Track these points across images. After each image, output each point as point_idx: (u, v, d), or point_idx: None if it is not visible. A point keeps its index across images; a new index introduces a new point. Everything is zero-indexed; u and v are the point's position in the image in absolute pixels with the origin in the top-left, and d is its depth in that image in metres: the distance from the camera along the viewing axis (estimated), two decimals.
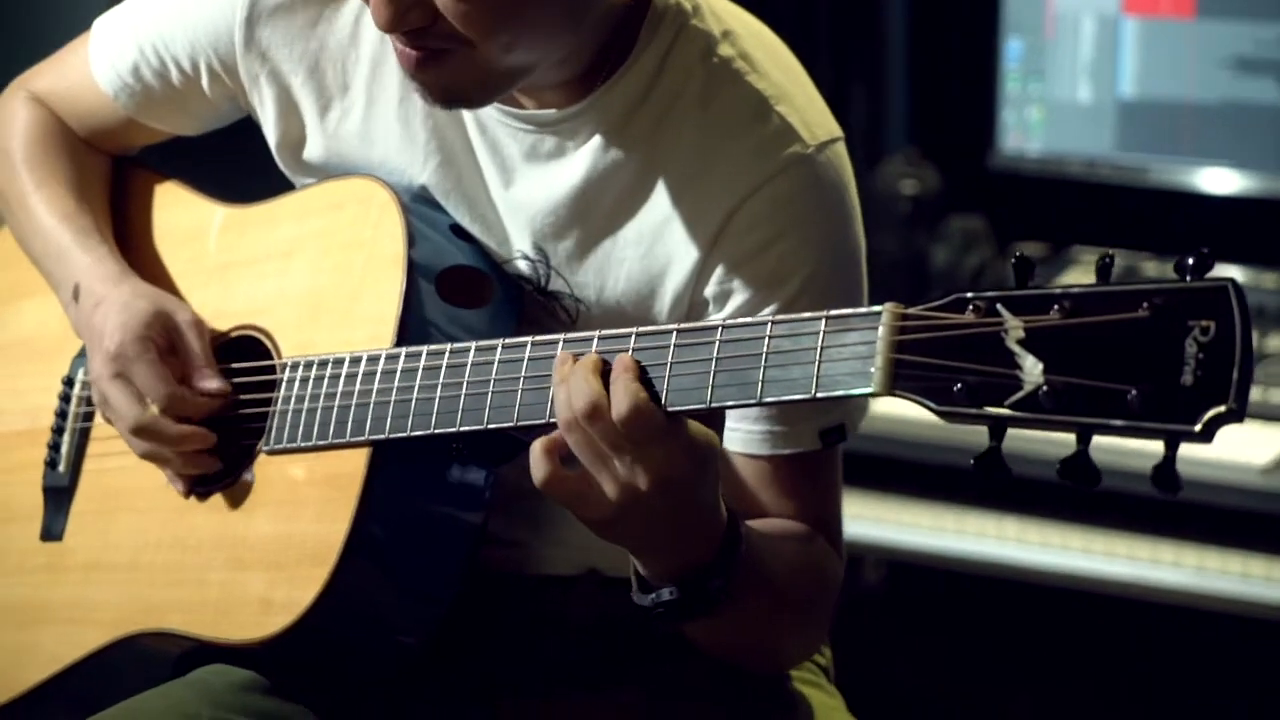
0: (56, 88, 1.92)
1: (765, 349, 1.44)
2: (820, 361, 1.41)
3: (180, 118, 1.88)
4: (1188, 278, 1.32)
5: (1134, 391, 1.29)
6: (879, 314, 1.39)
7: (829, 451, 1.72)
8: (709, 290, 1.68)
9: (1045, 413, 1.33)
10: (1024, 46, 3.23)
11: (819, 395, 1.41)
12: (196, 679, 1.72)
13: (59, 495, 1.86)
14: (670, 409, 1.47)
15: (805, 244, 1.67)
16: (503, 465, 1.68)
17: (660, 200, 1.68)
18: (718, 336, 1.46)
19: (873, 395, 1.39)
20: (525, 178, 1.71)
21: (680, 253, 1.68)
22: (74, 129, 1.93)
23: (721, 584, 1.55)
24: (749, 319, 1.47)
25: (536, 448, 1.50)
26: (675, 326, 1.49)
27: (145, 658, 1.76)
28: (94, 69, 1.87)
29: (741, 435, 1.71)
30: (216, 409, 1.75)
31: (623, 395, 1.45)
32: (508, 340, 1.57)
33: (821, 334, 1.42)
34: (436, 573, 1.67)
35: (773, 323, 1.45)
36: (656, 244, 1.69)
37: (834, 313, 1.42)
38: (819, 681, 1.89)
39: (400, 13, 1.54)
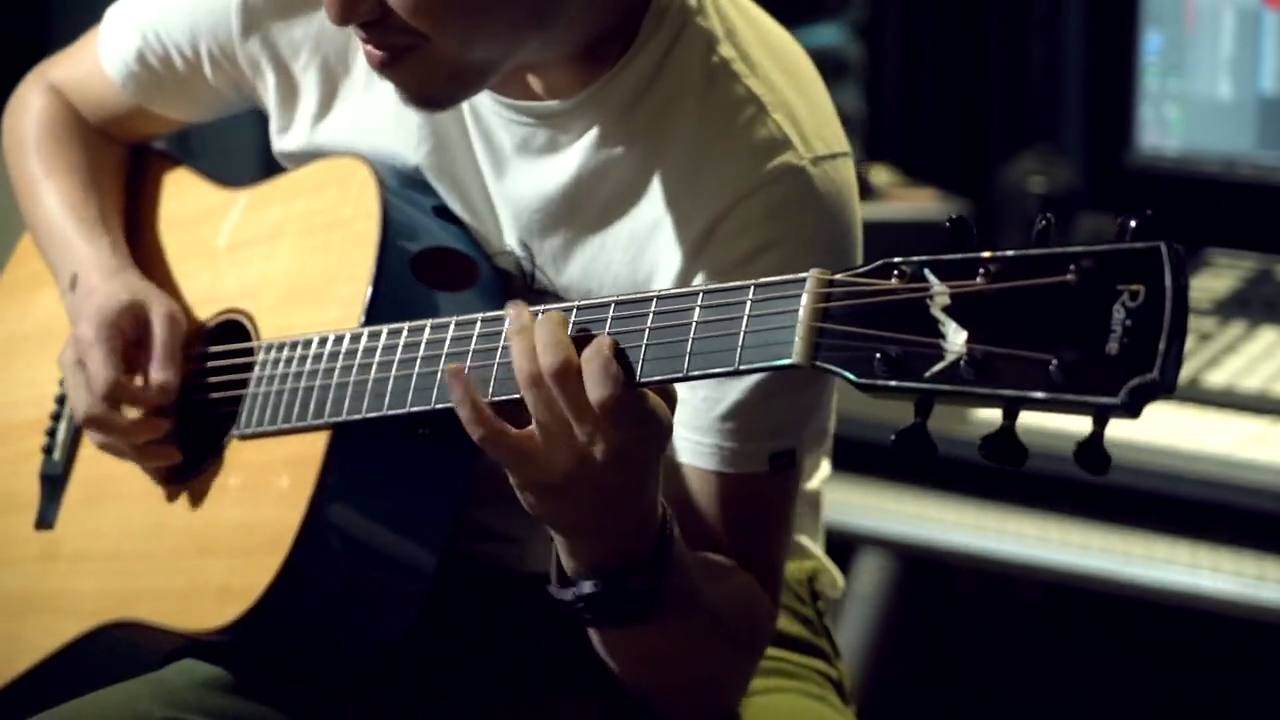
0: (71, 77, 1.93)
1: (694, 319, 1.36)
2: (745, 332, 1.33)
3: (187, 105, 1.86)
4: (1126, 240, 1.22)
5: (1055, 361, 1.20)
6: (804, 281, 1.31)
7: (777, 482, 1.63)
8: None
9: (965, 384, 1.24)
10: (1163, 41, 3.09)
11: (741, 368, 1.34)
12: (157, 676, 1.67)
13: (54, 483, 1.85)
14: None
15: (795, 257, 1.56)
16: (478, 452, 1.62)
17: (652, 203, 1.62)
18: (651, 308, 1.39)
19: (793, 367, 1.31)
20: (516, 171, 1.66)
21: (667, 257, 1.62)
22: (88, 118, 1.92)
23: (646, 586, 1.47)
24: (681, 289, 1.39)
25: (462, 398, 1.43)
26: (614, 298, 1.42)
27: (124, 650, 1.73)
28: (102, 57, 1.87)
29: (691, 445, 1.63)
30: (161, 402, 1.72)
31: (601, 375, 1.38)
32: (461, 318, 1.51)
33: (749, 304, 1.34)
34: (406, 565, 1.62)
35: (704, 292, 1.37)
36: (647, 247, 1.62)
37: (762, 281, 1.34)
38: (828, 697, 1.80)
39: (350, 4, 1.50)
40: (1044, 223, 1.27)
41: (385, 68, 1.54)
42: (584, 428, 1.40)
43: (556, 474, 1.42)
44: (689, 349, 1.36)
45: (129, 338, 1.73)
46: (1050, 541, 2.65)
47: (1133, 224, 1.23)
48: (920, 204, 3.16)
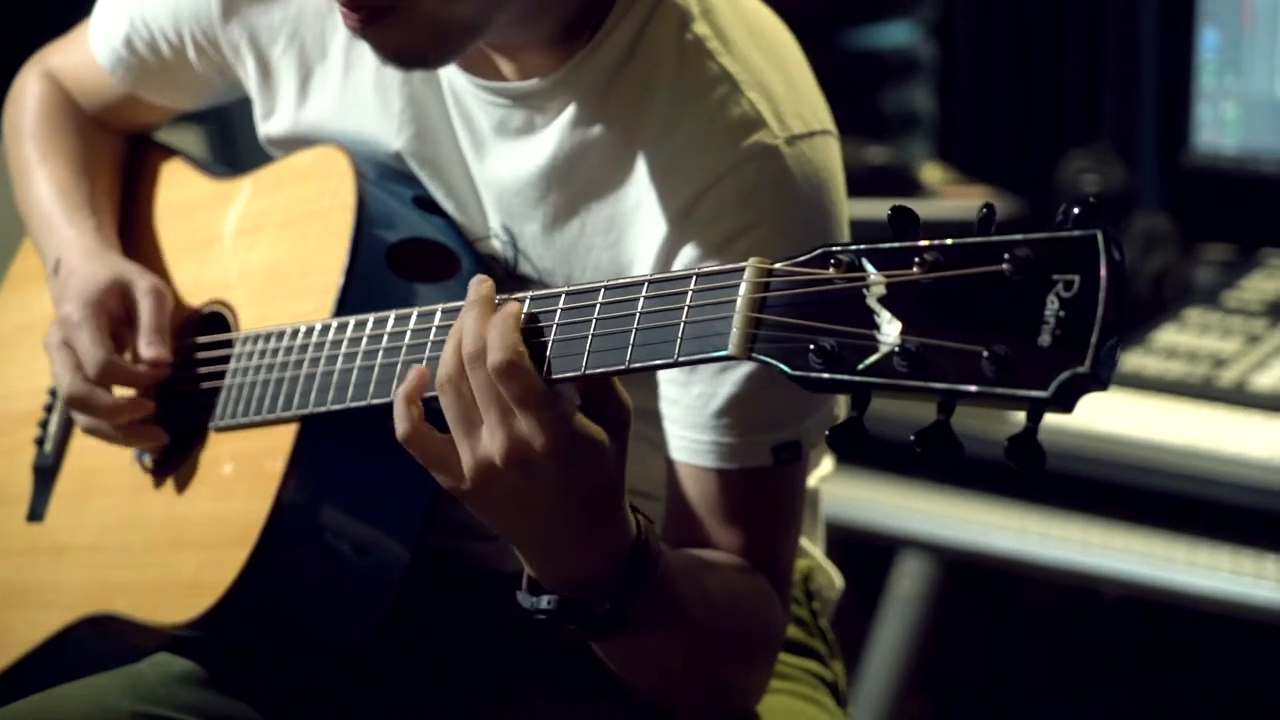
0: (66, 64, 1.93)
1: (639, 309, 1.34)
2: (684, 323, 1.31)
3: (176, 92, 1.86)
4: (1067, 228, 1.19)
5: (986, 354, 1.16)
6: (743, 271, 1.28)
7: (783, 474, 1.58)
8: None
9: (897, 377, 1.20)
10: (1220, 38, 3.03)
11: (680, 359, 1.31)
12: (130, 670, 1.66)
13: (45, 475, 1.85)
14: (549, 377, 1.37)
15: (773, 238, 1.53)
16: None
17: (631, 185, 1.59)
18: (598, 299, 1.37)
19: (730, 359, 1.28)
20: (495, 153, 1.64)
21: (646, 242, 1.59)
22: (84, 107, 1.92)
23: (610, 610, 1.42)
24: (627, 279, 1.36)
25: (399, 395, 1.40)
26: (564, 290, 1.39)
27: (108, 644, 1.72)
28: (92, 44, 1.87)
29: (689, 444, 1.59)
30: (154, 379, 1.70)
31: (498, 342, 1.33)
32: (423, 309, 1.50)
33: (689, 294, 1.31)
34: (377, 560, 1.60)
35: (649, 282, 1.35)
36: (627, 232, 1.60)
37: (703, 270, 1.32)
38: (820, 699, 1.76)
39: None
40: (985, 211, 1.23)
41: (365, 27, 1.50)
42: (488, 421, 1.35)
43: (463, 479, 1.38)
44: (632, 340, 1.33)
45: (115, 316, 1.72)
46: (1092, 546, 2.59)
47: (1075, 211, 1.19)
48: (969, 202, 3.11)
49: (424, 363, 1.46)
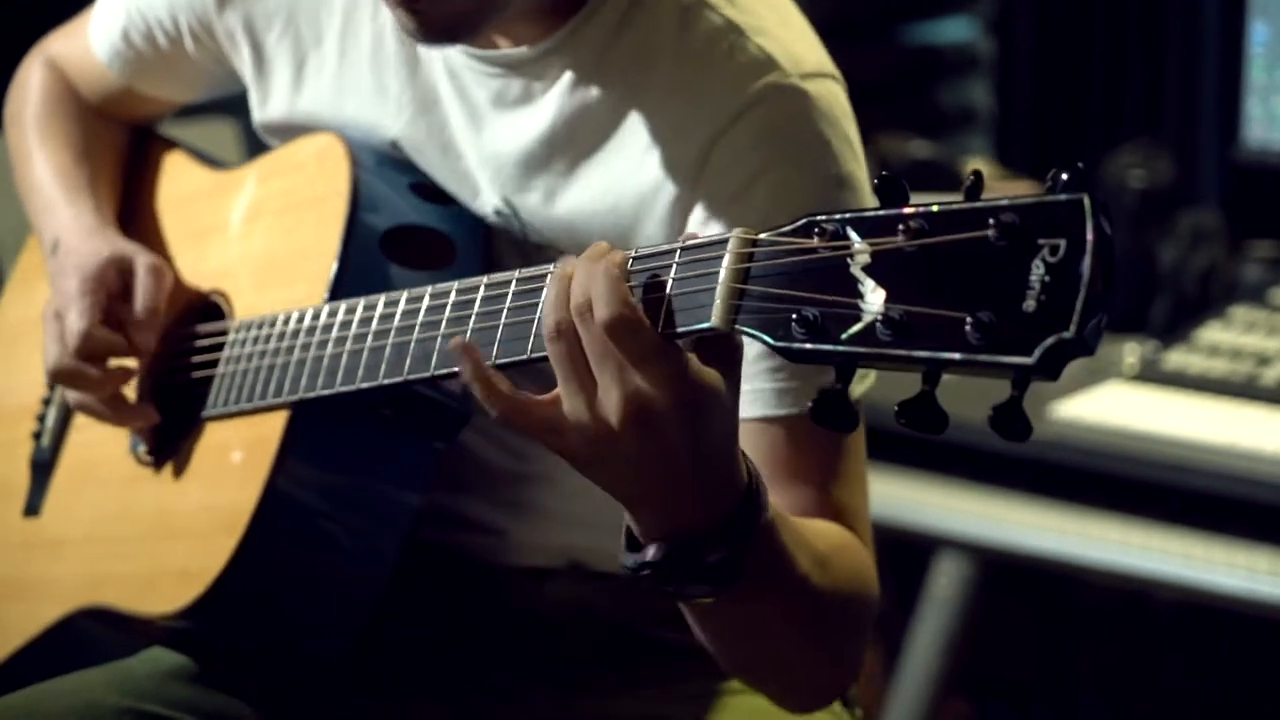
0: (68, 54, 1.92)
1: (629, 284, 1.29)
2: (670, 295, 1.26)
3: (174, 83, 1.84)
4: (1056, 194, 1.14)
5: (970, 320, 1.12)
6: (726, 241, 1.24)
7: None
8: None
9: (881, 346, 1.16)
10: (1271, 32, 2.97)
11: (665, 332, 1.26)
12: (120, 665, 1.64)
13: (42, 470, 1.83)
14: (500, 361, 1.32)
15: (796, 176, 1.49)
16: (444, 440, 1.57)
17: (633, 147, 1.55)
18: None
19: (713, 331, 1.24)
20: (494, 125, 1.60)
21: (657, 201, 1.54)
22: (86, 98, 1.91)
23: (722, 559, 1.28)
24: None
25: (469, 376, 1.27)
26: (550, 266, 1.35)
27: (104, 636, 1.69)
28: (90, 38, 1.86)
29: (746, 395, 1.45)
30: (135, 351, 1.67)
31: (606, 296, 1.23)
32: (413, 291, 1.46)
33: (674, 266, 1.27)
34: (366, 552, 1.57)
35: (634, 257, 1.30)
36: (628, 191, 1.55)
37: (689, 242, 1.27)
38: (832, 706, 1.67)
39: None
40: (972, 179, 1.18)
41: (414, 4, 1.45)
42: (603, 378, 1.23)
43: (578, 441, 1.25)
44: None
45: (113, 291, 1.70)
46: (1131, 546, 2.54)
47: (1064, 177, 1.14)
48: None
49: (411, 345, 1.43)
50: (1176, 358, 2.65)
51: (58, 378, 1.69)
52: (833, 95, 1.55)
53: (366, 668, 1.63)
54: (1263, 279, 2.84)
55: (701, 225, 1.51)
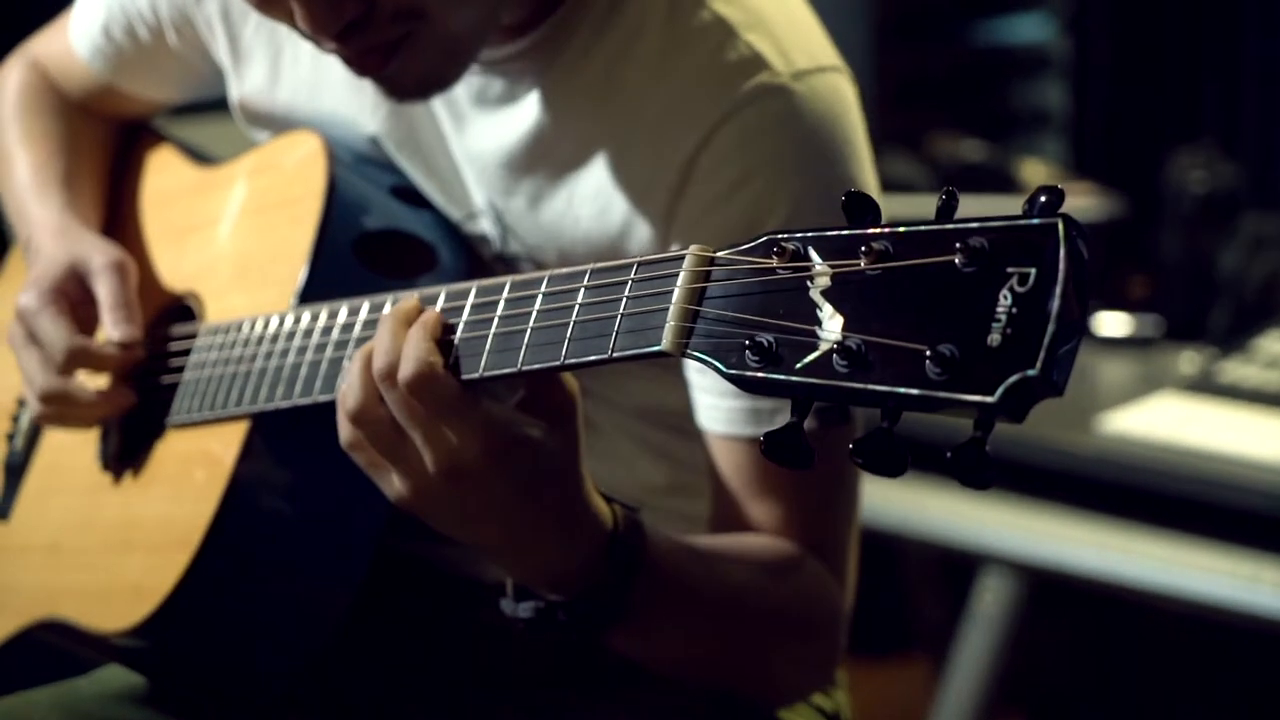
0: (50, 54, 1.87)
1: (579, 300, 1.22)
2: (622, 315, 1.18)
3: (156, 80, 1.78)
4: (1032, 216, 1.05)
5: (929, 353, 1.03)
6: (682, 259, 1.16)
7: (826, 438, 1.42)
8: (677, 246, 1.45)
9: (836, 378, 1.07)
10: None
11: (615, 355, 1.18)
12: (67, 685, 1.58)
13: (14, 472, 1.76)
14: (465, 376, 1.25)
15: (782, 183, 1.42)
16: None
17: (619, 150, 1.48)
18: (541, 289, 1.25)
19: (663, 355, 1.15)
20: (476, 125, 1.53)
21: (643, 208, 1.47)
22: (70, 96, 1.85)
23: (596, 607, 1.33)
24: (571, 269, 1.24)
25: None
26: (510, 279, 1.27)
27: (55, 648, 1.62)
28: (71, 34, 1.81)
29: (720, 412, 1.48)
30: (129, 359, 1.57)
31: (411, 353, 1.24)
32: (375, 298, 1.38)
33: (629, 284, 1.19)
34: (330, 568, 1.49)
35: (590, 271, 1.22)
36: (614, 199, 1.48)
37: (646, 258, 1.19)
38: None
39: (334, 9, 1.34)
40: (944, 197, 1.09)
41: (380, 68, 1.40)
42: (415, 436, 1.25)
43: (416, 497, 1.27)
44: (569, 334, 1.21)
45: (75, 299, 1.61)
46: (1176, 564, 2.43)
47: (1042, 198, 1.05)
48: (1069, 201, 2.94)
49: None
50: (1233, 369, 2.55)
51: (49, 401, 1.58)
52: (831, 92, 1.46)
53: (336, 682, 1.56)
54: None
55: (685, 236, 1.44)
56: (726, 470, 1.49)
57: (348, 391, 1.27)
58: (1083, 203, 2.95)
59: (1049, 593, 2.81)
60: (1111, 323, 2.87)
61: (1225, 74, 3.29)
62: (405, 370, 1.23)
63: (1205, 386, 2.55)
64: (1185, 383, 2.59)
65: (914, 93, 3.75)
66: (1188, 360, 2.69)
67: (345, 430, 1.28)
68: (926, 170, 3.03)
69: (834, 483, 1.50)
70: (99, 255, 1.62)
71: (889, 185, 2.95)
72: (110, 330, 1.58)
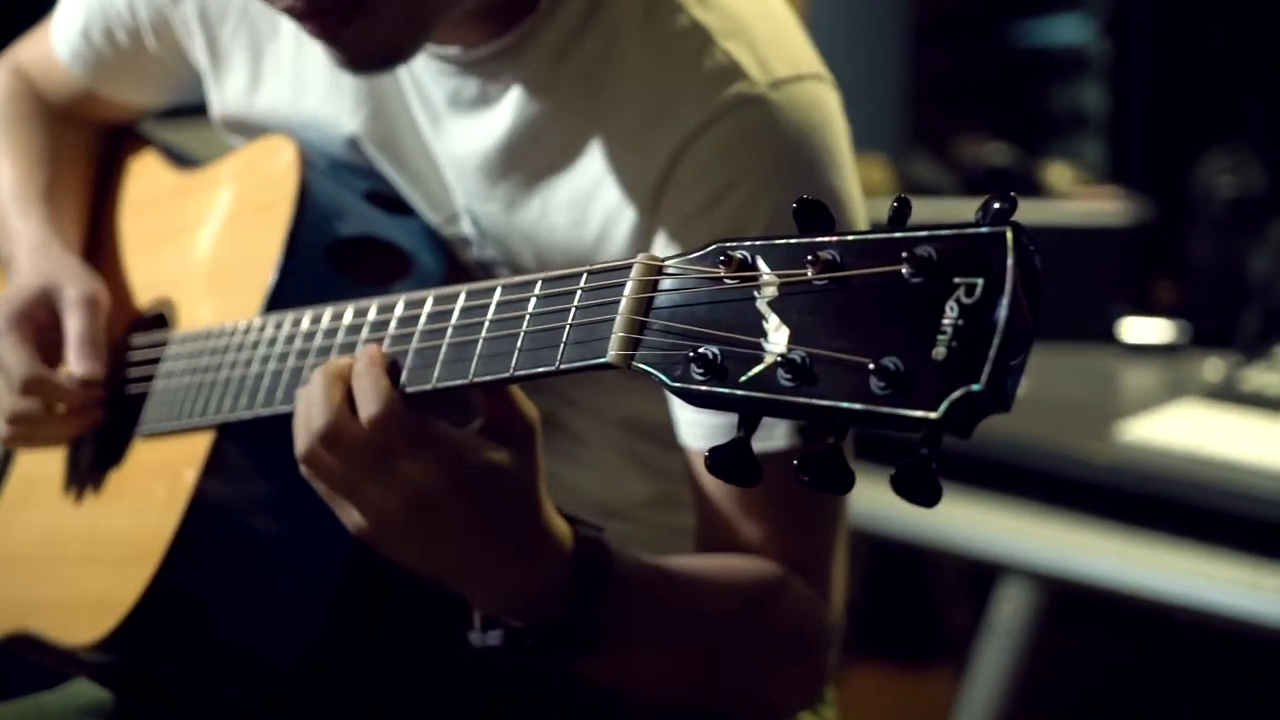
0: (32, 59, 1.84)
1: (529, 310, 1.18)
2: (570, 326, 1.15)
3: (136, 85, 1.76)
4: (983, 225, 1.01)
5: (873, 366, 0.99)
6: (630, 268, 1.13)
7: None
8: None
9: (781, 393, 1.04)
10: None
11: (562, 367, 1.15)
12: (33, 701, 1.55)
13: None
14: (417, 388, 1.23)
15: (762, 194, 1.40)
16: None
17: (594, 158, 1.45)
18: (495, 298, 1.22)
19: (609, 368, 1.12)
20: (451, 128, 1.50)
21: (619, 217, 1.45)
22: (53, 103, 1.82)
23: (567, 634, 1.31)
24: (524, 277, 1.21)
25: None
26: (465, 287, 1.24)
27: (25, 662, 1.60)
28: (52, 38, 1.78)
29: (701, 429, 1.45)
30: (87, 397, 1.56)
31: (372, 394, 1.24)
32: (336, 306, 1.36)
33: (579, 293, 1.16)
34: (299, 584, 1.46)
35: (541, 280, 1.19)
36: (591, 208, 1.45)
37: (595, 267, 1.16)
38: None
39: None
40: (896, 205, 1.05)
41: (334, 33, 1.36)
42: (376, 481, 1.24)
43: (376, 530, 1.27)
44: (519, 344, 1.18)
45: (41, 325, 1.59)
46: (1198, 576, 2.38)
47: (995, 206, 1.01)
48: (1094, 205, 2.89)
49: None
50: (1257, 376, 2.50)
51: (17, 423, 1.57)
52: (810, 101, 1.43)
53: (312, 701, 1.53)
54: None
55: (664, 249, 1.41)
56: (708, 488, 1.46)
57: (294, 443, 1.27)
58: (1108, 207, 2.89)
59: (1086, 606, 2.77)
60: (1137, 328, 2.82)
61: (1268, 77, 3.24)
62: (366, 409, 1.23)
63: (1228, 394, 2.50)
64: (1208, 390, 2.54)
65: (951, 93, 3.71)
66: (1212, 367, 2.64)
67: (303, 466, 1.28)
68: (952, 174, 2.98)
69: (817, 500, 1.47)
70: (72, 287, 1.60)
71: (913, 189, 2.91)
72: (74, 365, 1.56)
